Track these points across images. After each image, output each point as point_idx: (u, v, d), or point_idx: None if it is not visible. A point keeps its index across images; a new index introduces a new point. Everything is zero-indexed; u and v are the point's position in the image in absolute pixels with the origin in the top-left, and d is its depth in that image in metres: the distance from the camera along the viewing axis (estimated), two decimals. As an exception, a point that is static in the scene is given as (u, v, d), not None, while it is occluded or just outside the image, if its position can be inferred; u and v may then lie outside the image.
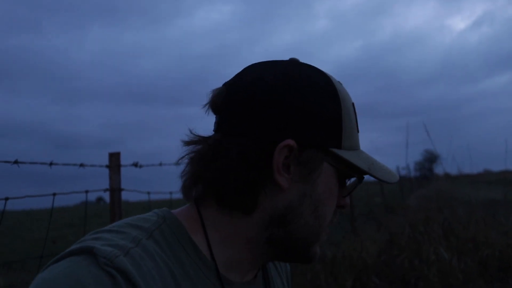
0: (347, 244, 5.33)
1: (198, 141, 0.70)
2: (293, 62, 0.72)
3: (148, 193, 2.90)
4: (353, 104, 0.73)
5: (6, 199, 1.81)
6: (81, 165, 2.28)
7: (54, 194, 2.07)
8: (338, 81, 0.73)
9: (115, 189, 2.51)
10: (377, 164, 0.73)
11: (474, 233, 4.95)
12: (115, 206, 2.52)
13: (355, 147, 0.71)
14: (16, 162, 1.85)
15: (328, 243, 5.10)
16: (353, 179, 0.75)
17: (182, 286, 0.61)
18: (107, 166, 2.51)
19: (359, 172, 0.71)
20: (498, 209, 8.65)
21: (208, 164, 0.66)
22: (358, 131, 0.73)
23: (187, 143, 0.70)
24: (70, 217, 13.23)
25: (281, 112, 0.65)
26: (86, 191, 2.33)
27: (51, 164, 2.13)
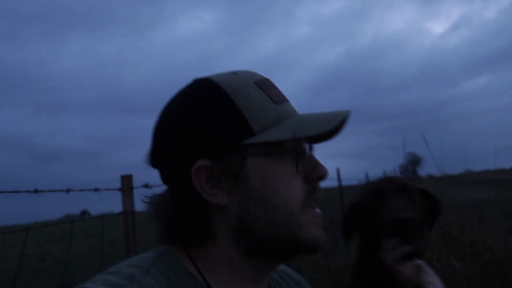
0: (350, 253, 5.33)
1: (156, 201, 0.72)
2: (186, 87, 0.73)
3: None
4: (260, 80, 0.71)
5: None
6: (96, 189, 2.23)
7: (71, 222, 2.01)
8: (232, 73, 0.72)
9: (128, 212, 2.45)
10: (309, 122, 0.67)
11: (472, 237, 5.01)
12: (129, 229, 2.46)
13: (274, 122, 0.67)
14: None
15: (331, 252, 5.09)
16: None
17: None
18: (120, 189, 2.46)
19: (287, 143, 0.67)
20: (485, 210, 8.81)
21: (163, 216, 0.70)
22: (276, 102, 0.70)
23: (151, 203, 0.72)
24: (54, 232, 12.94)
25: (180, 141, 0.67)
26: (102, 216, 2.27)
27: (36, 190, 2.07)
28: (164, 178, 0.72)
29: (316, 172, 0.70)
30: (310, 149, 0.72)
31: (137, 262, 0.67)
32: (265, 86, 0.71)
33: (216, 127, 0.66)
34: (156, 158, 0.72)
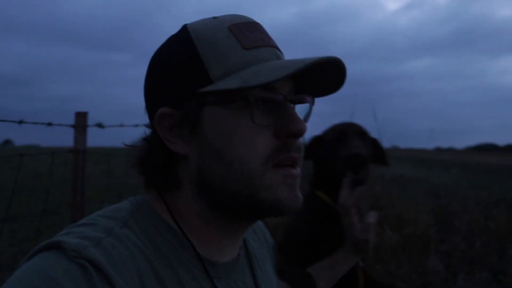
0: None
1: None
2: (171, 36, 0.72)
3: (108, 155, 2.77)
4: (236, 24, 0.67)
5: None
6: (49, 124, 2.09)
7: (21, 155, 1.89)
8: (213, 17, 0.69)
9: (79, 151, 2.34)
10: (269, 68, 0.61)
11: (398, 210, 5.38)
12: (78, 169, 2.35)
13: (236, 69, 0.63)
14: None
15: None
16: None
17: (160, 273, 0.60)
18: (72, 126, 2.33)
19: (244, 92, 0.62)
20: (408, 185, 9.45)
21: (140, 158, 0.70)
22: (247, 48, 0.65)
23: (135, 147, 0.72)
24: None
25: (150, 88, 0.70)
26: (52, 153, 2.15)
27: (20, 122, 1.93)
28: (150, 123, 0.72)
29: (287, 127, 0.64)
30: (292, 101, 0.67)
31: (113, 213, 0.64)
32: (239, 30, 0.66)
33: (177, 74, 0.65)
34: (145, 104, 0.72)
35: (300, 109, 0.70)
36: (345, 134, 1.51)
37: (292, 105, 0.67)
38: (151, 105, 0.69)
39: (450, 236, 4.56)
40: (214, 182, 0.64)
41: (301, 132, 0.64)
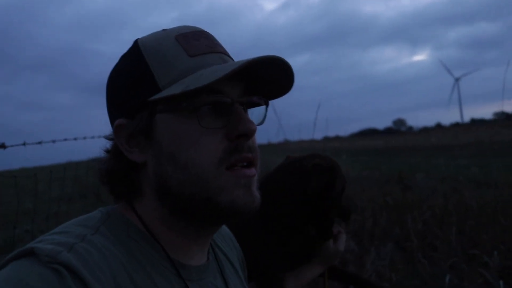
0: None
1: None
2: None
3: (15, 177, 2.54)
4: (183, 34, 0.69)
5: None
6: None
7: None
8: (162, 30, 0.72)
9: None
10: (211, 72, 0.62)
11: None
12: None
13: (181, 76, 0.65)
14: None
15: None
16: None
17: (134, 276, 0.61)
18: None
19: (190, 97, 0.64)
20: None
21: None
22: (192, 55, 0.67)
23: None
24: None
25: (108, 102, 0.73)
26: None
27: None
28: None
29: (236, 129, 0.65)
30: (241, 103, 0.68)
31: (85, 221, 0.65)
32: (185, 39, 0.68)
33: (129, 86, 0.68)
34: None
35: (255, 112, 0.73)
36: (333, 172, 1.27)
37: (242, 107, 0.68)
38: (110, 118, 0.72)
39: (355, 216, 4.90)
40: (171, 187, 0.65)
41: (250, 132, 0.65)
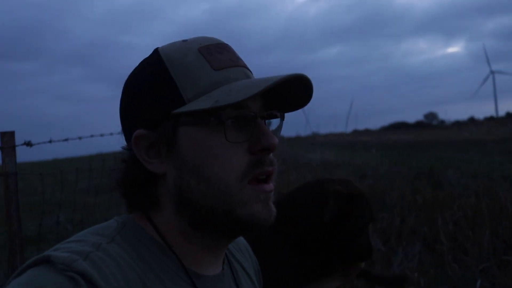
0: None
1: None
2: (144, 59, 0.73)
3: (41, 174, 2.58)
4: (206, 46, 0.69)
5: None
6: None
7: None
8: (183, 40, 0.72)
9: (10, 174, 2.16)
10: (240, 88, 0.64)
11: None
12: (11, 193, 2.17)
13: (207, 90, 0.65)
14: None
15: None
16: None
17: (149, 285, 0.62)
18: (-1, 148, 2.13)
19: (216, 112, 0.64)
20: (335, 170, 9.83)
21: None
22: (217, 69, 0.67)
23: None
24: None
25: (125, 111, 0.72)
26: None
27: None
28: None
29: (259, 143, 0.66)
30: (262, 117, 0.70)
31: (100, 230, 0.66)
32: (209, 52, 0.68)
33: (151, 96, 0.68)
34: (121, 126, 0.74)
35: (270, 124, 0.75)
36: (360, 199, 1.20)
37: (263, 121, 0.70)
38: (127, 127, 0.71)
39: (383, 213, 4.80)
40: (193, 199, 0.66)
41: (273, 146, 0.67)
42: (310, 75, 0.68)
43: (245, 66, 0.72)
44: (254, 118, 0.67)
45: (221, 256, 0.76)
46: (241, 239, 0.94)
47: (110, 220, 0.71)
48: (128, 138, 0.71)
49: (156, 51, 0.71)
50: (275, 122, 0.75)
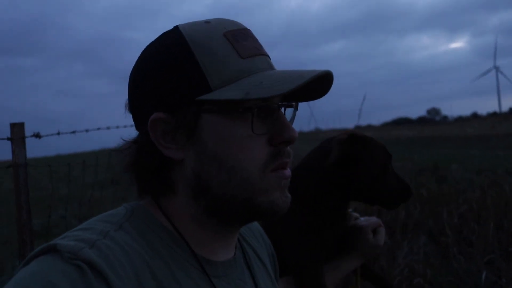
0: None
1: (128, 147, 0.71)
2: (161, 35, 0.70)
3: (49, 166, 2.59)
4: (231, 31, 0.67)
5: None
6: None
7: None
8: (205, 21, 0.69)
9: (20, 165, 2.17)
10: (270, 81, 0.63)
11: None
12: (20, 184, 2.18)
13: (234, 78, 0.64)
14: None
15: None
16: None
17: (157, 273, 0.61)
18: (9, 139, 2.15)
19: (244, 102, 0.63)
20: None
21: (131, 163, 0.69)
22: (243, 57, 0.65)
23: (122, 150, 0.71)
24: None
25: (140, 92, 0.68)
26: (-7, 170, 1.98)
27: None
28: (136, 126, 0.71)
29: (281, 135, 0.66)
30: (281, 107, 0.69)
31: (109, 217, 0.65)
32: (234, 38, 0.66)
33: (173, 80, 0.65)
34: (128, 105, 0.71)
35: (286, 114, 0.73)
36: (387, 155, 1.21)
37: (283, 112, 0.70)
38: (141, 109, 0.68)
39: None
40: (212, 187, 0.65)
41: (293, 139, 0.67)
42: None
43: (267, 55, 0.71)
44: (277, 110, 0.67)
45: (233, 241, 0.76)
46: (254, 223, 0.93)
47: (119, 207, 0.70)
48: (140, 120, 0.68)
49: (177, 30, 0.68)
50: (288, 112, 0.74)
